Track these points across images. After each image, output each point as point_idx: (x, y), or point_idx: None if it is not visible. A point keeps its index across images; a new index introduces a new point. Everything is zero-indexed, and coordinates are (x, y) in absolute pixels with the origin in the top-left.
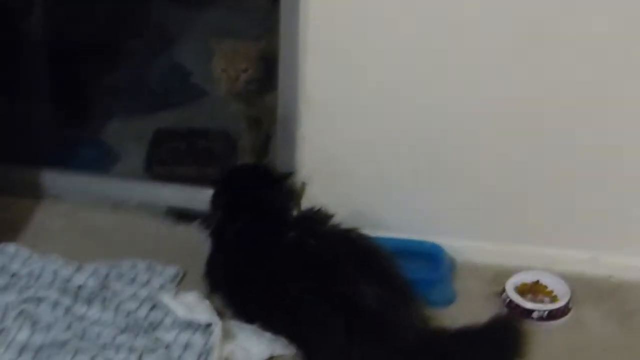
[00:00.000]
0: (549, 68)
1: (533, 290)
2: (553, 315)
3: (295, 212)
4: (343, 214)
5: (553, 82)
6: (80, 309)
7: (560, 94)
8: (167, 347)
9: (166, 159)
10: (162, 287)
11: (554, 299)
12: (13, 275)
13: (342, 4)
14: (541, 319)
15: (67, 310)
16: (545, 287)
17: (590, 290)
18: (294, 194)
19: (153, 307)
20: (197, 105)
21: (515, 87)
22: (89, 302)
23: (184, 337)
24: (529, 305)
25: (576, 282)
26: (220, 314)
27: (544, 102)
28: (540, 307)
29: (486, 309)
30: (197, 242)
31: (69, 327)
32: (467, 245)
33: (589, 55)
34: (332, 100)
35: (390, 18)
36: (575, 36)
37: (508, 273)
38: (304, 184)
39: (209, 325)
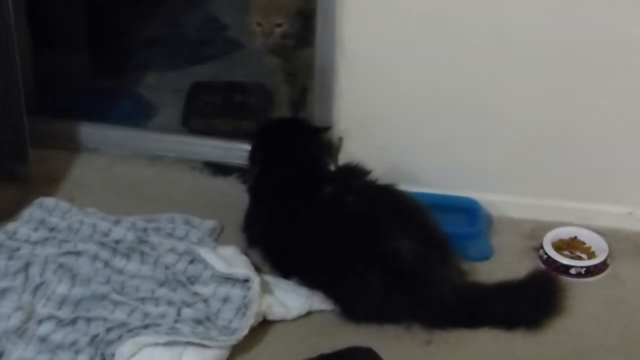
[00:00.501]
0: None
1: (571, 246)
2: (591, 271)
3: (332, 167)
4: (380, 169)
5: (590, 34)
6: (119, 262)
7: (597, 45)
8: (206, 300)
9: (203, 113)
10: (200, 241)
11: (591, 255)
12: (52, 229)
13: None
14: (579, 275)
15: (106, 263)
16: (583, 243)
17: (627, 246)
18: (331, 148)
19: (191, 261)
20: (233, 59)
21: (551, 44)
22: (128, 255)
23: (223, 290)
24: (566, 261)
25: (613, 237)
26: (258, 269)
27: (580, 55)
28: (578, 263)
29: (523, 264)
30: (235, 196)
31: (107, 280)
32: (504, 200)
33: None
34: (370, 54)
35: None
36: None
37: (545, 228)
38: (340, 139)
39: (246, 280)
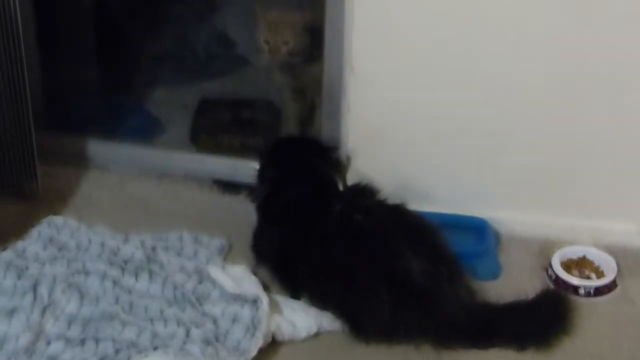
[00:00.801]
0: (597, 42)
1: (579, 265)
2: (600, 291)
3: (341, 186)
4: (389, 188)
5: (598, 56)
6: (128, 281)
7: (607, 64)
8: (215, 321)
9: (211, 129)
10: (208, 259)
11: (600, 274)
12: (61, 247)
13: None
14: (588, 295)
15: (115, 282)
16: (592, 262)
17: (637, 265)
18: (340, 167)
19: (200, 281)
20: (241, 75)
21: (560, 61)
22: (137, 274)
23: (232, 310)
24: (575, 281)
25: (623, 256)
26: (267, 288)
27: (590, 74)
28: (587, 283)
29: (532, 282)
30: (243, 213)
31: (117, 299)
32: (512, 218)
33: None
34: (379, 72)
35: None
36: None
37: (554, 246)
38: (349, 158)
39: (255, 300)
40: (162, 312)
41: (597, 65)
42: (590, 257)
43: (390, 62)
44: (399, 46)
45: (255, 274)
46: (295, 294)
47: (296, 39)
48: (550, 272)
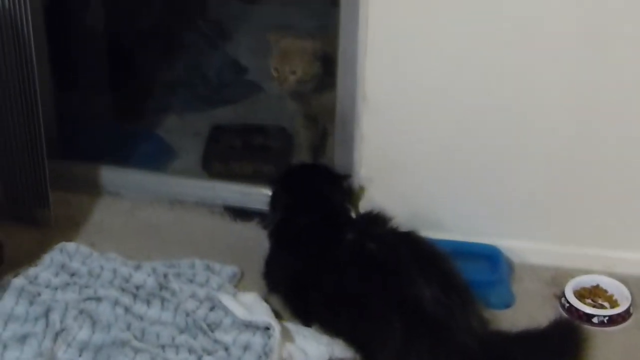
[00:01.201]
0: (611, 72)
1: (593, 294)
2: (614, 320)
3: (353, 213)
4: (401, 216)
5: (611, 87)
6: (139, 308)
7: (622, 93)
8: (227, 348)
9: (223, 156)
10: (220, 287)
11: (614, 303)
12: (73, 274)
13: (402, 3)
14: (602, 324)
15: (127, 309)
16: (605, 291)
17: None
18: (352, 195)
19: (212, 308)
20: (253, 102)
21: (574, 91)
22: (148, 301)
23: (244, 338)
24: (588, 310)
25: (636, 285)
26: (278, 315)
27: (603, 102)
28: (601, 312)
29: (545, 311)
30: (255, 240)
31: (128, 326)
32: (525, 247)
33: None
34: (391, 100)
35: (451, 18)
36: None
37: (566, 275)
38: (362, 187)
39: (267, 328)
40: (173, 339)
41: (610, 96)
42: (603, 285)
43: (402, 91)
44: (411, 75)
45: (267, 301)
46: (307, 322)
47: (305, 68)
48: (563, 300)
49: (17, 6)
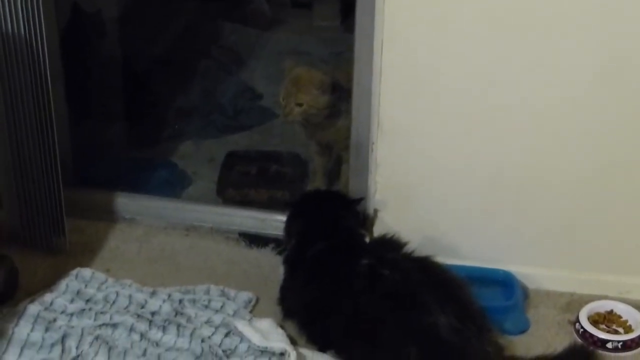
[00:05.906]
0: (625, 101)
1: (607, 320)
2: (628, 345)
3: (367, 239)
4: (416, 241)
5: (630, 117)
6: (155, 334)
7: (632, 124)
8: None
9: (238, 183)
10: (235, 313)
11: (628, 329)
12: (88, 300)
13: (416, 29)
14: (616, 349)
15: (143, 335)
16: (620, 316)
17: None
18: (366, 220)
19: (228, 334)
20: (268, 128)
21: (591, 120)
22: (164, 327)
23: None
24: (603, 335)
25: None
26: (294, 341)
27: (620, 128)
28: (615, 337)
29: (560, 337)
30: (270, 267)
31: (144, 352)
32: (539, 273)
33: None
34: (406, 127)
35: (467, 45)
36: None
37: (581, 300)
38: (376, 211)
39: (282, 354)
40: None
41: (628, 124)
42: (618, 311)
43: (418, 118)
44: (426, 102)
45: (282, 327)
46: (322, 348)
47: (311, 101)
48: (577, 326)
49: (34, 35)
